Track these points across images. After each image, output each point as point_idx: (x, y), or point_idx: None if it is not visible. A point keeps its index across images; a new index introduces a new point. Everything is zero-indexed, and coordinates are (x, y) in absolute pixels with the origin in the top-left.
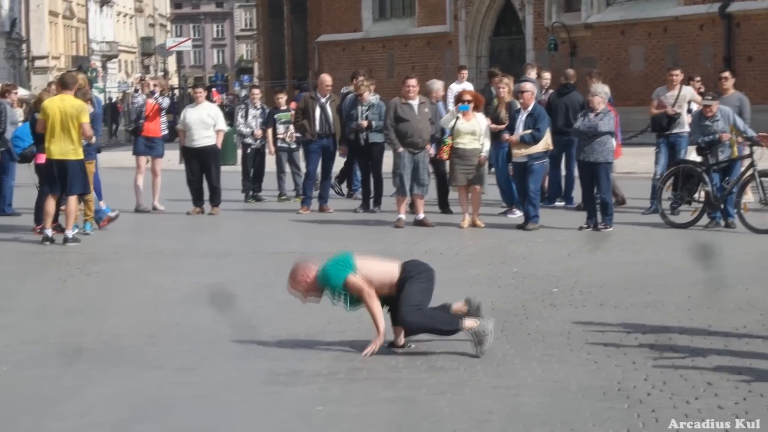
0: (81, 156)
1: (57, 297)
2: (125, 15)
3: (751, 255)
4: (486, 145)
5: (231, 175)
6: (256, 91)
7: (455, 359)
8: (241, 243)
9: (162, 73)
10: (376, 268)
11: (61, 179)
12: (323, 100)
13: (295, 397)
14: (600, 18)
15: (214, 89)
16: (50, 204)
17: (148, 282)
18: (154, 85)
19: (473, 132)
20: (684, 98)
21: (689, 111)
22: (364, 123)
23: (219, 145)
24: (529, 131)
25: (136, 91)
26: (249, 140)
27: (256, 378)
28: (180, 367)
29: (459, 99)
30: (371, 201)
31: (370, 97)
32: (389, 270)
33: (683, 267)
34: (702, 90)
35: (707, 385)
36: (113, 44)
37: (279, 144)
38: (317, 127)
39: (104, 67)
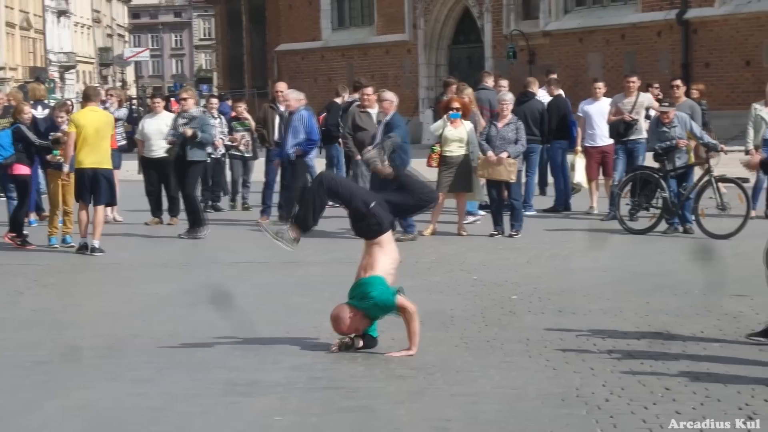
0: (111, 166)
1: (13, 309)
2: (83, 25)
3: (709, 260)
4: (475, 152)
5: None
6: (214, 100)
7: (414, 368)
8: (199, 253)
9: (120, 84)
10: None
11: (93, 188)
12: (282, 108)
13: (253, 407)
14: (558, 25)
15: (172, 99)
16: (83, 213)
17: (105, 293)
18: (108, 95)
19: (461, 139)
20: (641, 105)
21: (647, 117)
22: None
23: None
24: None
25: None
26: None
27: (214, 389)
28: (137, 378)
29: (447, 107)
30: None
31: (193, 109)
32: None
33: (641, 273)
34: (660, 96)
35: (665, 390)
36: (71, 55)
37: (232, 152)
38: (275, 137)
39: (62, 78)
